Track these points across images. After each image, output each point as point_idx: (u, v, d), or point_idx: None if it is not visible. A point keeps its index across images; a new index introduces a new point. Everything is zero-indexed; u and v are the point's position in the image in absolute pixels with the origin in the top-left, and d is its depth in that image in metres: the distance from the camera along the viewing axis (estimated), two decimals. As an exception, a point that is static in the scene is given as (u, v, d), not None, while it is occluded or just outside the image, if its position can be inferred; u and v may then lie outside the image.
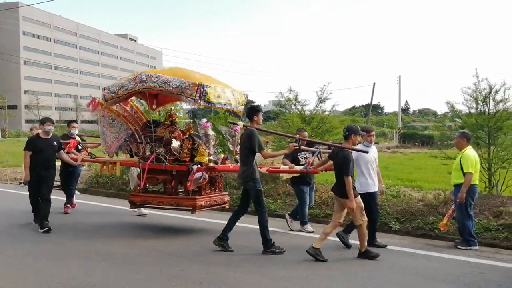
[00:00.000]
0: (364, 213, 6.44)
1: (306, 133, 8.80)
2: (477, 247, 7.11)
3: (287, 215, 8.48)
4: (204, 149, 7.66)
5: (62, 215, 9.39)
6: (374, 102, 76.08)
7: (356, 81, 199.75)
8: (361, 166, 6.99)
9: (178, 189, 8.04)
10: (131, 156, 8.45)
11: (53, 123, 8.37)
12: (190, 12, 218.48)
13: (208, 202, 7.75)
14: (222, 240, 6.73)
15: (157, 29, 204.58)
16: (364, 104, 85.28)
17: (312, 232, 8.01)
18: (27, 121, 70.15)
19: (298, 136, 7.21)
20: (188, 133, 8.01)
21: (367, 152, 6.87)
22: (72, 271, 5.73)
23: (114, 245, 7.07)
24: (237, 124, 7.73)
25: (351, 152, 6.49)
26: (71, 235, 7.75)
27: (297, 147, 6.95)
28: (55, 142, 8.24)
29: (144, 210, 9.18)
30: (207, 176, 7.45)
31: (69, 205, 9.72)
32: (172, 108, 9.42)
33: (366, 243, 6.46)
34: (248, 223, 7.78)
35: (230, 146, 7.68)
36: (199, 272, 5.75)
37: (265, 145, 7.99)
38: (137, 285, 5.34)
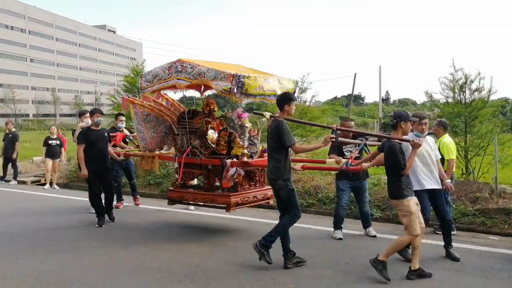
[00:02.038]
0: (417, 223, 5.30)
1: (352, 123, 7.62)
2: (454, 232, 7.30)
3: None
4: (239, 141, 7.02)
5: (52, 214, 9.32)
6: (356, 92, 76.49)
7: (338, 72, 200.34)
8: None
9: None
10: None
11: (102, 114, 8.21)
12: (171, 2, 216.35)
13: (246, 199, 7.11)
14: (288, 256, 5.76)
15: (137, 20, 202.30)
16: (346, 94, 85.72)
17: (341, 239, 7.08)
18: (3, 116, 68.77)
19: (335, 125, 6.07)
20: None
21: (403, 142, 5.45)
22: (51, 266, 5.69)
23: (93, 238, 7.08)
24: (262, 115, 6.40)
25: (400, 143, 5.38)
26: (51, 230, 7.72)
27: (334, 139, 5.73)
28: (106, 134, 8.11)
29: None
30: (242, 171, 6.86)
31: (138, 197, 9.76)
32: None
33: (388, 257, 5.36)
34: (235, 215, 7.70)
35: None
36: (181, 264, 5.80)
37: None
38: (118, 278, 5.32)
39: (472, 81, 9.86)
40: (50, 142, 12.75)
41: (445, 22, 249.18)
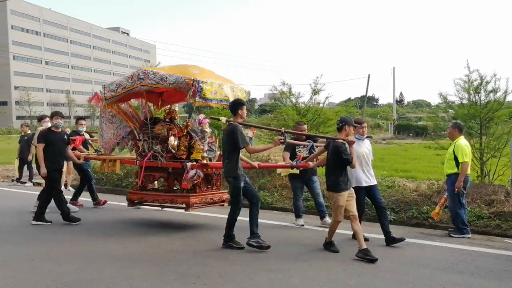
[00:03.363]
0: (341, 213, 6.28)
1: (305, 126, 8.62)
2: (469, 235, 7.27)
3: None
4: (199, 145, 7.57)
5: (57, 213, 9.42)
6: (369, 94, 76.22)
7: (351, 74, 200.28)
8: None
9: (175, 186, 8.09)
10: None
11: (63, 117, 8.54)
12: (184, 4, 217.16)
13: (204, 200, 7.69)
14: (253, 238, 6.53)
15: (150, 22, 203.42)
16: (359, 96, 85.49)
17: (302, 225, 8.03)
18: (18, 118, 69.68)
19: (283, 129, 6.91)
20: (186, 131, 7.86)
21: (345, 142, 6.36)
22: (67, 268, 5.74)
23: (111, 241, 7.12)
24: (219, 119, 7.35)
25: (344, 144, 6.26)
26: (68, 232, 7.79)
27: (283, 140, 6.57)
28: (65, 136, 8.49)
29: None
30: (201, 173, 7.38)
31: (100, 200, 10.02)
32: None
33: (332, 236, 6.49)
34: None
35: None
36: (196, 266, 5.82)
37: (250, 139, 7.91)
38: (133, 280, 5.35)
39: (487, 82, 9.74)
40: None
41: (461, 22, 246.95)
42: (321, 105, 12.72)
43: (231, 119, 6.73)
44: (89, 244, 6.93)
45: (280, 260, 6.03)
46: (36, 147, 8.48)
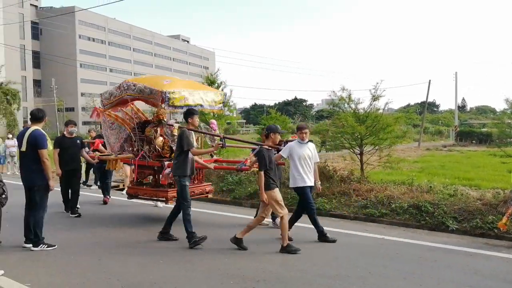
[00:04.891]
0: (282, 205, 6.84)
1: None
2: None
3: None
4: (172, 146, 8.38)
5: (129, 217, 9.79)
6: (430, 99, 74.18)
7: (411, 79, 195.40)
8: (295, 161, 7.31)
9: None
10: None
11: (76, 125, 9.87)
12: (242, 12, 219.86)
13: None
14: (165, 234, 7.45)
15: (210, 29, 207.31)
16: (419, 101, 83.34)
17: (267, 225, 8.36)
18: (84, 123, 72.56)
19: (222, 134, 8.23)
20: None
21: (271, 148, 7.15)
22: (131, 269, 5.95)
23: (172, 244, 7.31)
24: (172, 126, 8.34)
25: (269, 149, 7.02)
26: (132, 235, 8.08)
27: (222, 145, 7.58)
28: (78, 141, 9.72)
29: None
30: None
31: (108, 197, 11.23)
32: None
33: (287, 237, 6.81)
34: (307, 223, 7.79)
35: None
36: (255, 270, 5.89)
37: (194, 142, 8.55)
38: (195, 282, 5.48)
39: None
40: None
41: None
42: (380, 111, 12.53)
43: (184, 126, 7.67)
44: (150, 245, 7.17)
45: (339, 267, 6.00)
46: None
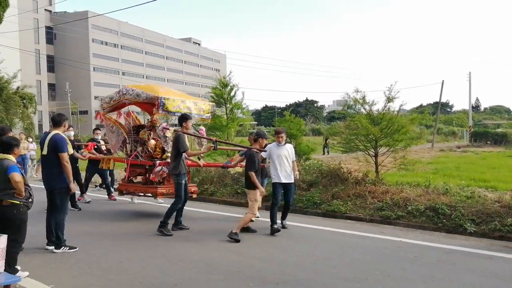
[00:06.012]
0: (257, 206, 7.94)
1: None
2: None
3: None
4: (164, 148, 9.34)
5: (147, 219, 9.89)
6: (443, 100, 73.72)
7: (424, 79, 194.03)
8: (274, 160, 8.32)
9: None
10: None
11: (71, 126, 10.67)
12: (253, 14, 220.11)
13: (170, 191, 9.04)
14: (163, 226, 8.06)
15: (221, 32, 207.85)
16: (432, 102, 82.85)
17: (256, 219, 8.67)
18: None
19: (214, 138, 9.40)
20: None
21: (258, 151, 8.14)
22: (152, 271, 6.02)
23: (190, 246, 7.38)
24: (168, 128, 9.30)
25: (258, 152, 8.07)
26: (150, 237, 8.12)
27: (213, 148, 8.86)
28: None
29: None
30: (166, 169, 9.03)
31: (112, 195, 12.04)
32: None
33: (240, 228, 7.72)
34: (323, 226, 7.86)
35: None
36: (274, 273, 5.92)
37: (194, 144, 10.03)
38: (215, 285, 5.52)
39: None
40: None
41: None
42: (395, 112, 12.46)
43: (179, 129, 8.44)
44: (169, 247, 7.23)
45: (356, 270, 6.01)
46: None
